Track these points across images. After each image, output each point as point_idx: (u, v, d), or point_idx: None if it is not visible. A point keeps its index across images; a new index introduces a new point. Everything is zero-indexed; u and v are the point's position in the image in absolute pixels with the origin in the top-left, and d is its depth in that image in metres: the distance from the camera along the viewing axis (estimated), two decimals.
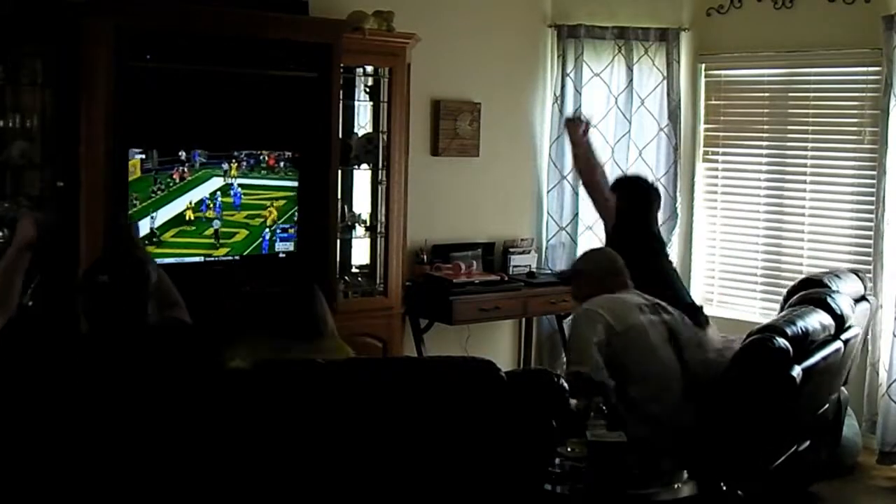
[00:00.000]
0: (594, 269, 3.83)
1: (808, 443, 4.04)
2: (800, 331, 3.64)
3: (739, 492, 3.31)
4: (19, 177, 4.24)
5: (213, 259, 4.50)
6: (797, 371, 3.49)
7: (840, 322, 4.07)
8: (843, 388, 4.46)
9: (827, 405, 4.28)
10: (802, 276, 4.72)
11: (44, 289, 4.13)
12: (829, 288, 4.24)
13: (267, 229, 4.64)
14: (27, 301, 4.12)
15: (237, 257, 4.56)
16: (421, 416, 2.60)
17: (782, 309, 4.29)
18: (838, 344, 3.95)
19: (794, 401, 3.59)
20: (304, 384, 2.68)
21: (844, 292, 4.29)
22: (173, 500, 2.56)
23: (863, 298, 4.53)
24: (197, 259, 4.45)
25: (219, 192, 4.49)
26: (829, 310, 4.04)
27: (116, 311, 2.78)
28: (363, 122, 5.18)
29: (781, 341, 3.50)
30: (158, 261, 3.48)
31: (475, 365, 2.88)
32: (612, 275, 3.76)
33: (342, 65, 4.74)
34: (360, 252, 5.23)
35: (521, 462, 2.68)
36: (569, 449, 3.29)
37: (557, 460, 3.16)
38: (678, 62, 5.97)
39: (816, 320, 3.85)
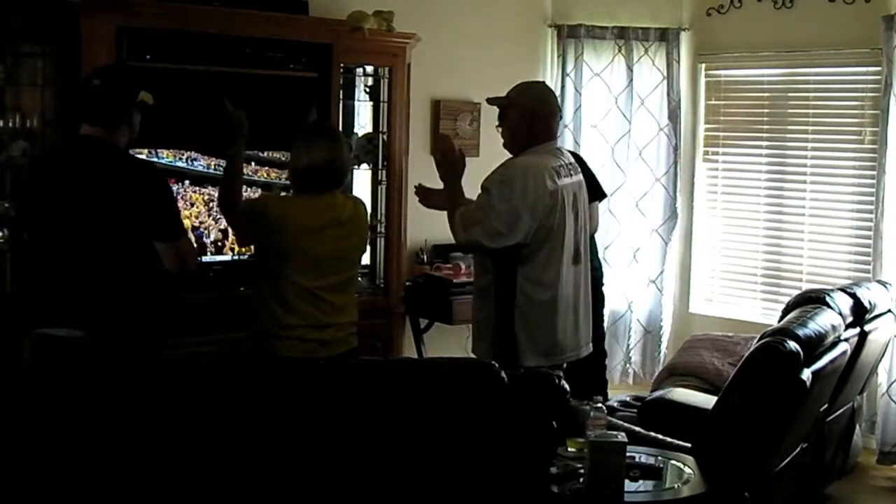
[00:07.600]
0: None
1: (814, 446, 4.04)
2: (812, 333, 3.63)
3: (746, 493, 3.30)
4: (19, 176, 4.24)
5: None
6: (807, 375, 3.48)
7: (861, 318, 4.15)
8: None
9: (841, 410, 4.28)
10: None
11: None
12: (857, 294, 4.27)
13: None
14: None
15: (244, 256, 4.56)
16: (421, 417, 2.60)
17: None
18: (844, 346, 3.95)
19: (803, 404, 3.58)
20: (303, 384, 2.68)
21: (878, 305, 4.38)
22: (171, 497, 2.56)
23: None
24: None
25: None
26: (858, 302, 4.13)
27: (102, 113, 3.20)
28: (363, 122, 5.18)
29: (792, 345, 3.48)
30: None
31: (476, 365, 2.89)
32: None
33: (342, 65, 4.74)
34: None
35: (521, 463, 2.68)
36: (569, 449, 3.30)
37: (557, 460, 3.17)
38: (678, 62, 5.97)
39: (829, 322, 3.83)
